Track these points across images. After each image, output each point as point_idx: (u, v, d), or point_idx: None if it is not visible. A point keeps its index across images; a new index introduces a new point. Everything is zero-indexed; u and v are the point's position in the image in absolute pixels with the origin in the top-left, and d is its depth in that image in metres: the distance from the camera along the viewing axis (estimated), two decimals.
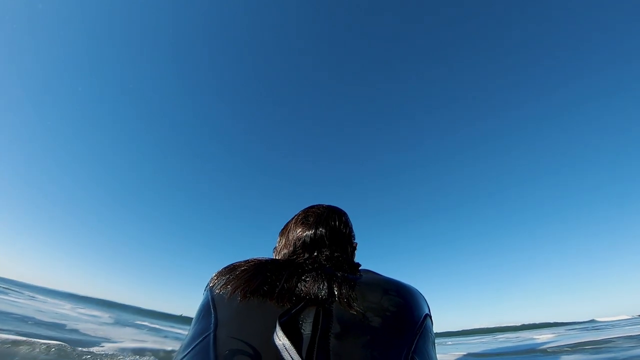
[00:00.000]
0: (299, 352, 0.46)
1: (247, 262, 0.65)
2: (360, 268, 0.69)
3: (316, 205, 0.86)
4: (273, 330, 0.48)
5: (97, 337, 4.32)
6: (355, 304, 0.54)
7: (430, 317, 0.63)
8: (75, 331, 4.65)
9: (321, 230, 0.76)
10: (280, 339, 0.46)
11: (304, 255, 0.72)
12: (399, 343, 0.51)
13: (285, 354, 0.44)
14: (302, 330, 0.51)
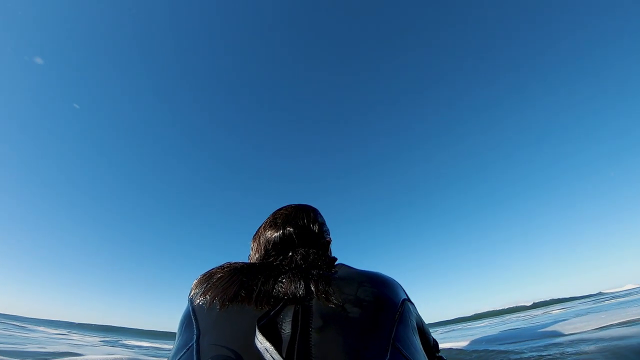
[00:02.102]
0: (280, 353, 0.45)
1: (222, 268, 0.64)
2: (336, 263, 0.69)
3: (285, 206, 0.86)
4: (253, 334, 0.48)
5: (52, 353, 3.88)
6: (333, 298, 0.54)
7: (410, 302, 0.65)
8: (33, 349, 4.18)
9: (289, 229, 0.76)
10: (261, 342, 0.46)
11: (278, 257, 0.71)
12: (379, 332, 0.52)
13: (267, 356, 0.44)
14: (282, 331, 0.51)
